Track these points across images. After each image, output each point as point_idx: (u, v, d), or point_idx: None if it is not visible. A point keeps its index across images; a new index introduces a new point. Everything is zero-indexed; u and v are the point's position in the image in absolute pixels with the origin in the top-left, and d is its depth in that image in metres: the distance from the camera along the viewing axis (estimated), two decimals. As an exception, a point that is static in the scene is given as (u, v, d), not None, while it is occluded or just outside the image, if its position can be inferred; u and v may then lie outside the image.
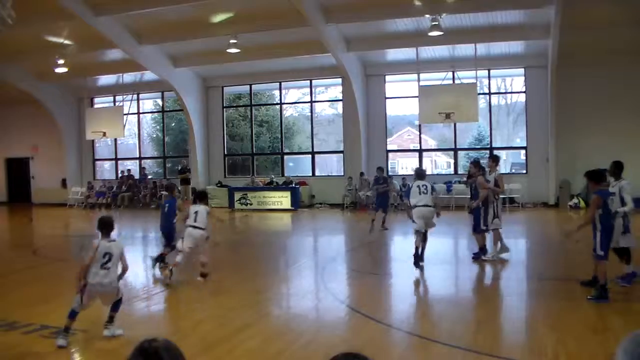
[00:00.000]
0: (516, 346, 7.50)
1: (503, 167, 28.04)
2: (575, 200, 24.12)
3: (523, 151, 27.01)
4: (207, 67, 28.79)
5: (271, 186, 27.72)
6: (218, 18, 23.15)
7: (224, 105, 31.19)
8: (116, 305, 7.76)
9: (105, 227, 7.79)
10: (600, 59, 23.35)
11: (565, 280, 10.67)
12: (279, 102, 30.82)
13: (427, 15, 21.31)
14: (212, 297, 10.49)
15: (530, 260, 14.21)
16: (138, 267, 13.82)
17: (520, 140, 27.79)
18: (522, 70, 26.57)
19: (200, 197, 12.04)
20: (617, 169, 10.29)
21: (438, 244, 14.45)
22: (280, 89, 30.38)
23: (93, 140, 32.30)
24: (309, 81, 29.43)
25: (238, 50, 23.97)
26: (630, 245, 10.00)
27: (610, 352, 6.49)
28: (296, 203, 26.42)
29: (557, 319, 8.46)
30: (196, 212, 11.43)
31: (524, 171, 26.42)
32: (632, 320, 8.10)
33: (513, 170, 28.02)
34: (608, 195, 9.46)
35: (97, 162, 34.81)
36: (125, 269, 7.76)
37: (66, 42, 24.62)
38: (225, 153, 31.18)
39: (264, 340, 7.62)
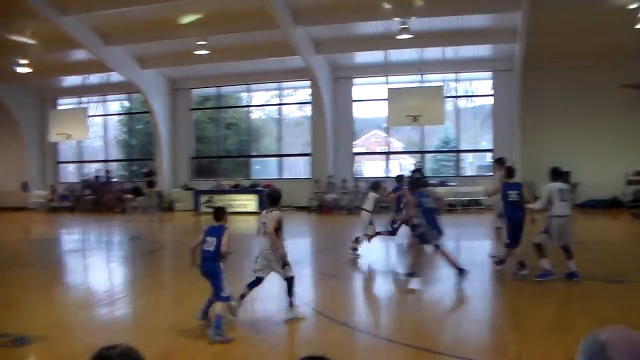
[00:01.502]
0: (479, 346, 7.54)
1: (469, 170, 28.22)
2: (541, 203, 24.32)
3: (489, 154, 27.18)
4: (175, 69, 28.58)
5: (237, 189, 27.56)
6: (186, 19, 22.98)
7: (192, 107, 30.99)
8: (288, 286, 8.63)
9: (269, 198, 8.80)
10: (567, 63, 23.63)
11: (529, 281, 10.74)
12: (247, 104, 30.71)
13: (396, 19, 21.37)
14: (175, 302, 10.38)
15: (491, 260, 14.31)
16: (102, 273, 13.70)
17: (487, 143, 27.96)
18: (489, 74, 26.84)
19: (374, 187, 14.64)
20: (551, 174, 11.17)
21: (402, 248, 14.47)
22: (248, 91, 30.28)
23: (56, 143, 31.80)
24: (277, 84, 29.38)
25: (206, 52, 23.78)
26: (537, 241, 10.88)
27: (571, 352, 6.53)
28: (263, 206, 26.22)
29: (519, 319, 8.53)
30: (367, 197, 14.47)
31: (490, 173, 26.53)
32: (594, 321, 8.14)
33: (479, 173, 28.15)
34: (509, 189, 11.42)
35: (61, 165, 34.29)
36: (274, 243, 8.42)
37: (30, 41, 24.20)
38: (192, 155, 30.93)
39: (228, 344, 7.54)
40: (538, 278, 10.65)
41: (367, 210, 14.15)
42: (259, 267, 8.61)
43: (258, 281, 8.71)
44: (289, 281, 8.63)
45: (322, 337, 7.91)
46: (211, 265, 7.99)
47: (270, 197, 8.83)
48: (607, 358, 1.85)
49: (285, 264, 8.57)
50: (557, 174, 11.01)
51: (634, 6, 19.41)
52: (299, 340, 7.89)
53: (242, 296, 8.60)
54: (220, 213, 8.40)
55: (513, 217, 11.32)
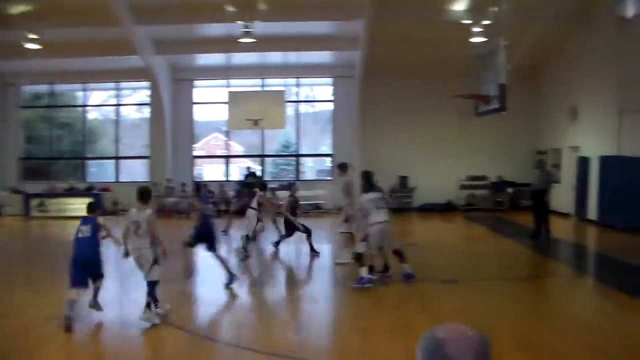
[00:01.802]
0: (323, 348, 7.69)
1: (309, 174, 28.66)
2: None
3: (329, 158, 27.80)
4: (3, 62, 26.76)
5: (73, 192, 26.36)
6: (16, 9, 21.60)
7: (22, 105, 29.29)
8: (150, 289, 8.70)
9: (140, 195, 9.11)
10: (407, 72, 24.62)
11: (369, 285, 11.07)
12: (82, 104, 29.48)
13: (239, 22, 21.37)
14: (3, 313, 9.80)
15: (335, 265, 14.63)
16: None
17: (327, 148, 28.53)
18: (330, 80, 27.40)
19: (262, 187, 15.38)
20: (363, 186, 11.86)
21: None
22: (84, 90, 29.08)
23: None
24: (115, 83, 28.42)
25: (39, 47, 22.51)
26: (358, 251, 11.42)
27: (410, 349, 6.82)
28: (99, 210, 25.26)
29: (362, 320, 8.77)
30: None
31: (330, 178, 27.12)
32: (431, 319, 8.54)
33: (319, 177, 28.68)
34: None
35: None
36: (156, 240, 8.88)
37: None
38: (22, 156, 29.20)
39: (64, 355, 7.23)
40: (355, 285, 11.04)
41: (253, 208, 14.66)
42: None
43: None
44: (152, 284, 8.73)
45: (163, 344, 7.79)
46: (92, 250, 8.61)
47: (141, 194, 9.10)
48: (444, 354, 1.93)
49: (155, 264, 8.76)
50: (369, 185, 11.60)
51: (468, 21, 20.63)
52: (139, 348, 7.71)
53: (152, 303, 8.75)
54: (92, 206, 9.45)
55: None
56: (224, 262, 11.24)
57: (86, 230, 8.65)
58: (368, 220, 11.13)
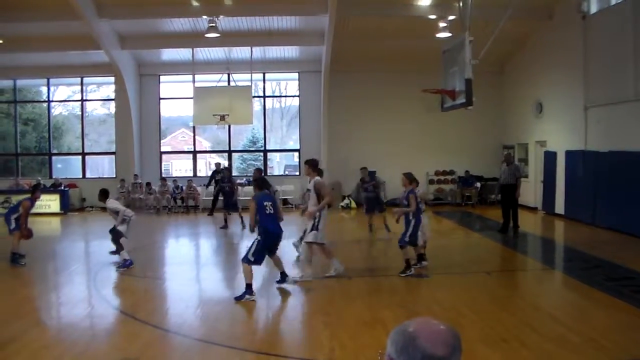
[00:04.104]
0: (293, 343, 7.70)
1: (277, 169, 28.62)
2: (346, 201, 25.27)
3: (296, 153, 27.78)
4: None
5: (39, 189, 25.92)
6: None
7: (-17, 100, 28.78)
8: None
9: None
10: (371, 66, 24.86)
11: (339, 278, 11.06)
12: (46, 99, 29.05)
13: (204, 17, 21.26)
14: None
15: (302, 259, 14.60)
16: None
17: (294, 143, 28.54)
18: (296, 75, 27.34)
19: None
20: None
21: (212, 246, 14.42)
22: (48, 85, 28.65)
23: None
24: (79, 78, 28.02)
25: (1, 41, 22.11)
26: None
27: (380, 343, 6.83)
28: (66, 206, 25.02)
29: (331, 315, 8.77)
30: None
31: (297, 173, 27.12)
32: (400, 313, 8.60)
33: (287, 172, 28.70)
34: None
35: None
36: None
37: None
38: (-15, 153, 28.71)
39: (33, 353, 7.14)
40: (119, 268, 12.36)
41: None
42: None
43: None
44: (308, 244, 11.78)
45: (133, 341, 7.71)
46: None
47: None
48: (418, 347, 1.95)
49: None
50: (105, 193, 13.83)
51: (433, 16, 20.74)
52: (109, 345, 7.64)
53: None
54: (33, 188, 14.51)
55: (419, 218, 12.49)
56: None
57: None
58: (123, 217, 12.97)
